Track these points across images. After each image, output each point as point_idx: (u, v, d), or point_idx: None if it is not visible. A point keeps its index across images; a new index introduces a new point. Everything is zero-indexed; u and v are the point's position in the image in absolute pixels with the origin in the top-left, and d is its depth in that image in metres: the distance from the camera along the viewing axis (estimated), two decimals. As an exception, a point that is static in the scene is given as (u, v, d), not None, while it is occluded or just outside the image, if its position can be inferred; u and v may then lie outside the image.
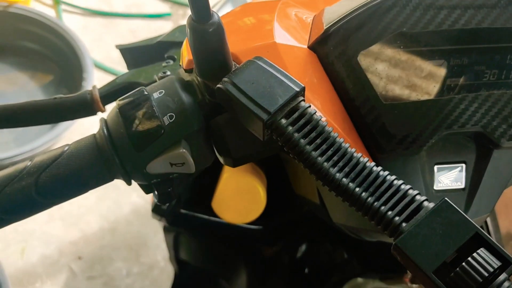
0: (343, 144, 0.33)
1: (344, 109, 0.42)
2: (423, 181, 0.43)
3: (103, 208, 1.79)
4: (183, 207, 0.76)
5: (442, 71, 0.41)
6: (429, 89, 0.41)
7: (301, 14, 0.46)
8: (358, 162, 0.33)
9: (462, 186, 0.44)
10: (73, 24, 2.02)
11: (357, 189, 0.32)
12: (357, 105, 0.41)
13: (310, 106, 0.34)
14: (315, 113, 0.34)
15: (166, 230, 0.82)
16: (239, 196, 0.75)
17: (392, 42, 0.40)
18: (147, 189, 0.43)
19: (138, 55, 0.53)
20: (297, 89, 0.34)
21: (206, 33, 0.34)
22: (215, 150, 0.43)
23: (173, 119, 0.39)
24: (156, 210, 0.75)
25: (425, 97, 0.41)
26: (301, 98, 0.34)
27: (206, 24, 0.33)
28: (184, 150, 0.39)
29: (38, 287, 1.58)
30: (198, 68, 0.37)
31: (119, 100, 0.39)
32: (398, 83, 0.40)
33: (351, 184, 0.32)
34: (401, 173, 0.42)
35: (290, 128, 0.33)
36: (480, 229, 0.30)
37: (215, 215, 0.76)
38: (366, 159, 0.33)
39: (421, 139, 0.41)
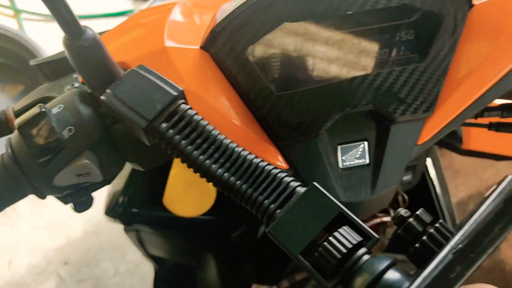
0: (224, 141, 0.35)
1: (243, 103, 0.43)
2: (328, 162, 0.44)
3: (85, 212, 1.80)
4: (138, 206, 0.78)
5: (329, 57, 0.42)
6: (318, 75, 0.42)
7: (198, 16, 0.47)
8: (238, 157, 0.35)
9: (367, 162, 0.45)
10: (36, 32, 2.02)
11: (237, 182, 0.34)
12: (252, 99, 0.42)
13: (190, 108, 0.35)
14: (194, 114, 0.35)
15: (125, 230, 0.84)
16: (189, 190, 0.77)
17: (278, 34, 0.41)
18: (64, 200, 0.45)
19: (55, 68, 0.54)
20: (175, 93, 0.35)
21: (82, 48, 0.35)
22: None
23: (73, 132, 0.40)
24: (109, 212, 0.76)
25: (315, 84, 0.42)
26: (181, 101, 0.36)
27: (80, 41, 0.35)
28: (87, 161, 0.40)
29: (28, 297, 1.61)
30: (85, 82, 0.38)
31: (19, 119, 0.40)
32: (287, 73, 0.42)
33: (232, 178, 0.34)
34: (304, 158, 0.44)
35: (170, 131, 0.35)
36: (344, 209, 0.32)
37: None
38: (245, 152, 0.35)
39: (316, 124, 0.43)
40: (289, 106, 0.42)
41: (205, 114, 0.42)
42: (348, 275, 0.30)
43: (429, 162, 0.82)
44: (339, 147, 0.45)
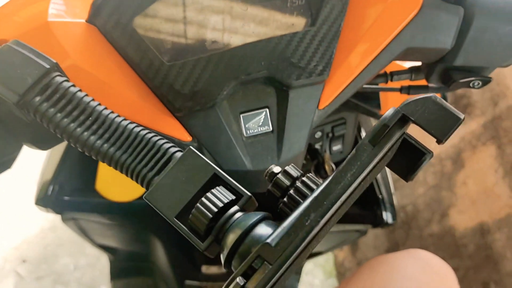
0: (102, 112, 0.34)
1: (137, 76, 0.43)
2: (231, 131, 0.44)
3: (41, 207, 1.77)
4: (70, 194, 0.77)
5: (219, 24, 0.42)
6: (208, 44, 0.42)
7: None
8: (117, 127, 0.34)
9: (270, 129, 0.46)
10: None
11: (116, 152, 0.34)
12: (143, 70, 0.42)
13: (65, 81, 0.35)
14: (70, 86, 0.35)
15: (63, 219, 0.82)
16: (120, 175, 0.76)
17: (164, 3, 0.41)
18: None
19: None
20: (48, 66, 0.34)
21: None
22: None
23: None
24: (39, 202, 0.75)
25: (206, 52, 0.42)
26: (55, 74, 0.35)
27: None
28: None
29: (-14, 298, 1.57)
30: None
31: None
32: (176, 42, 0.42)
33: (111, 149, 0.34)
34: (205, 128, 0.44)
35: (44, 105, 0.34)
36: (218, 169, 0.32)
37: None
38: (125, 121, 0.35)
39: (211, 93, 0.43)
40: (181, 76, 0.42)
41: (96, 89, 0.41)
42: (220, 233, 0.30)
43: (363, 133, 0.83)
44: (241, 115, 0.45)
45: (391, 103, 0.65)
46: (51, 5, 0.42)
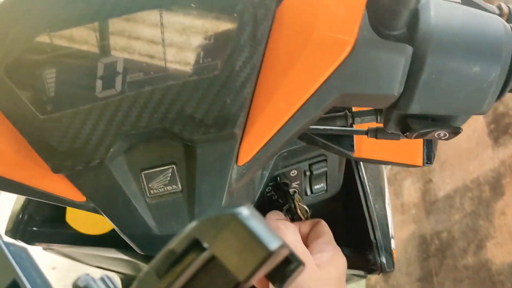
0: None
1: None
2: (129, 192, 0.38)
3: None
4: (39, 225, 0.74)
5: (97, 72, 0.36)
6: (86, 93, 0.36)
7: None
8: None
9: (179, 188, 0.39)
10: None
11: None
12: (16, 123, 0.36)
13: None
14: None
15: (43, 249, 0.80)
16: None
17: (35, 47, 0.35)
18: None
19: None
20: None
21: None
22: None
23: None
24: (8, 233, 0.72)
25: (86, 103, 0.36)
26: None
27: None
28: None
29: (13, 303, 1.61)
30: None
31: None
32: (52, 91, 0.35)
33: None
34: (97, 188, 0.38)
35: None
36: (21, 275, 0.26)
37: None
38: None
39: (95, 150, 0.36)
40: (57, 130, 0.36)
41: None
42: None
43: (361, 165, 0.73)
44: (142, 173, 0.39)
45: (366, 145, 0.56)
46: None
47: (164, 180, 0.39)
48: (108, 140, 0.36)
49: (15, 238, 0.73)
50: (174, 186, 0.39)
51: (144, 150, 0.38)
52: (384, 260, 0.70)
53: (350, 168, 0.73)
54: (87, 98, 0.36)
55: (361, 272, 0.73)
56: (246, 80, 0.36)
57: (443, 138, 0.40)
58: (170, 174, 0.39)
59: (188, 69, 0.36)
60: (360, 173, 0.72)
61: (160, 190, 0.39)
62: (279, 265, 0.25)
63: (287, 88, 0.37)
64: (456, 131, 0.39)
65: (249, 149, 0.38)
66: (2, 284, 0.26)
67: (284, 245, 0.18)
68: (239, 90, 0.36)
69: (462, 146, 1.34)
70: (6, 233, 0.73)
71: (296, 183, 0.64)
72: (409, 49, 0.36)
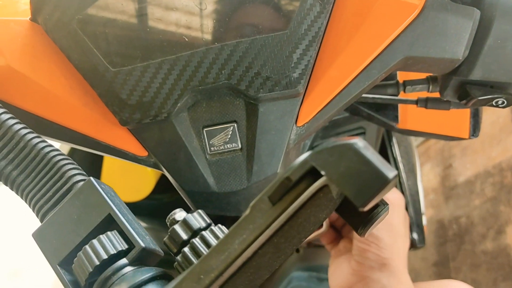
0: (12, 128, 0.30)
1: (84, 80, 0.38)
2: (191, 148, 0.39)
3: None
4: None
5: (172, 26, 0.36)
6: (159, 48, 0.36)
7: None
8: (24, 146, 0.30)
9: (239, 146, 0.39)
10: None
11: (19, 176, 0.29)
12: (87, 75, 0.37)
13: None
14: None
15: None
16: (125, 175, 0.73)
17: (109, 2, 0.35)
18: None
19: None
20: None
21: None
22: None
23: None
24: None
25: (157, 58, 0.36)
26: None
27: None
28: None
29: (33, 275, 1.64)
30: None
31: None
32: (123, 46, 0.36)
33: (13, 172, 0.29)
34: (161, 143, 0.38)
35: None
36: (114, 209, 0.27)
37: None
38: (35, 140, 0.30)
39: (162, 104, 0.37)
40: (128, 84, 0.36)
41: (33, 94, 0.37)
42: None
43: (394, 141, 0.74)
44: (204, 130, 0.39)
45: (411, 116, 0.56)
46: (-4, 1, 0.38)
47: (225, 137, 0.39)
48: (176, 95, 0.37)
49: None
50: (234, 144, 0.39)
51: (207, 108, 0.39)
52: (415, 236, 0.71)
53: (383, 145, 0.74)
54: (159, 52, 0.36)
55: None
56: (313, 39, 0.36)
57: (500, 106, 0.41)
58: (230, 132, 0.39)
59: (257, 27, 0.36)
60: (393, 149, 0.73)
61: (220, 148, 0.39)
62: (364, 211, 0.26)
63: (353, 49, 0.37)
64: None
65: (309, 110, 0.39)
66: (98, 218, 0.26)
67: (397, 175, 0.19)
68: (306, 49, 0.36)
69: (485, 131, 1.34)
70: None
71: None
72: (477, 13, 0.36)
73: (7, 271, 1.62)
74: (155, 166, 0.40)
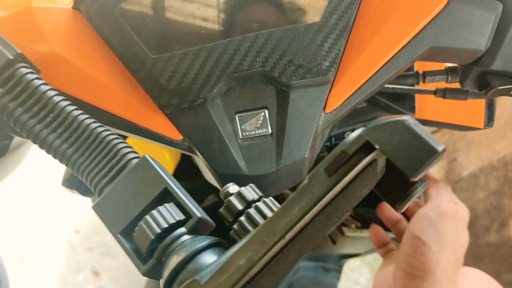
0: (65, 109, 0.32)
1: (124, 66, 0.40)
2: (224, 132, 0.41)
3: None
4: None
5: (211, 15, 0.38)
6: (198, 36, 0.38)
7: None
8: (78, 126, 0.32)
9: (269, 131, 0.41)
10: None
11: (74, 154, 0.31)
12: (128, 62, 0.39)
13: (30, 73, 0.32)
14: (34, 79, 0.32)
15: (92, 202, 0.83)
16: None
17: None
18: None
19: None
20: (11, 56, 0.32)
21: None
22: None
23: None
24: (65, 183, 0.75)
25: (196, 45, 0.38)
26: (20, 65, 0.33)
27: None
28: None
29: (40, 263, 1.66)
30: None
31: None
32: (163, 33, 0.38)
33: (68, 150, 0.31)
34: (196, 128, 0.40)
35: (6, 97, 0.32)
36: (170, 184, 0.29)
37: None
38: (88, 121, 0.32)
39: (199, 90, 0.39)
40: (167, 70, 0.38)
41: (76, 79, 0.39)
42: (163, 256, 0.27)
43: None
44: (236, 115, 0.41)
45: (428, 106, 0.58)
46: (38, -12, 0.39)
47: (256, 123, 0.41)
48: (212, 81, 0.39)
49: (71, 188, 0.76)
50: (264, 129, 0.41)
51: (239, 94, 0.41)
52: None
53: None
54: (197, 40, 0.38)
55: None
56: (344, 29, 0.38)
57: (519, 95, 0.43)
58: (262, 117, 0.41)
59: (291, 16, 0.38)
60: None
61: (252, 133, 0.41)
62: (401, 186, 0.28)
63: (381, 39, 0.39)
64: None
65: (337, 97, 0.41)
66: (155, 192, 0.28)
67: (445, 150, 0.21)
68: (337, 38, 0.38)
69: (489, 126, 1.35)
70: (63, 183, 0.76)
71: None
72: (499, 6, 0.38)
73: (14, 259, 1.64)
74: (189, 149, 0.42)
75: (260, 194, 0.28)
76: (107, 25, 0.38)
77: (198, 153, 0.42)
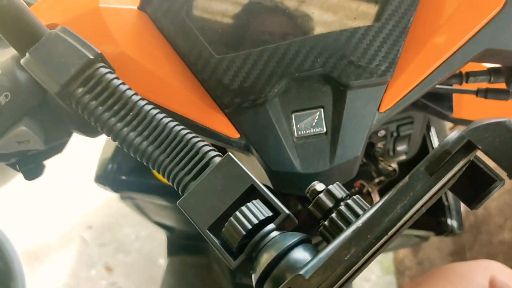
0: (143, 108, 0.33)
1: (186, 67, 0.41)
2: (281, 131, 0.42)
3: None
4: (127, 174, 0.78)
5: (274, 17, 0.39)
6: (262, 37, 0.39)
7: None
8: (157, 124, 0.33)
9: (324, 130, 0.42)
10: None
11: (155, 151, 0.32)
12: (192, 62, 0.40)
13: (109, 72, 0.33)
14: (113, 78, 0.33)
15: (121, 197, 0.84)
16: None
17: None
18: (13, 167, 0.44)
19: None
20: (91, 57, 0.33)
21: None
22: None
23: (9, 98, 0.39)
24: (98, 180, 0.76)
25: (259, 46, 0.39)
26: (100, 64, 0.34)
27: None
28: (25, 128, 0.39)
29: (53, 258, 1.67)
30: (11, 45, 0.37)
31: None
32: (228, 34, 0.39)
33: (149, 148, 0.32)
34: (254, 126, 0.41)
35: (86, 97, 0.33)
36: (256, 181, 0.30)
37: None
38: (166, 119, 0.33)
39: (261, 89, 0.40)
40: (230, 70, 0.39)
41: (143, 79, 0.40)
42: (254, 252, 0.28)
43: (433, 132, 0.77)
44: (293, 114, 0.42)
45: (465, 107, 0.59)
46: (103, -11, 0.40)
47: (311, 122, 0.42)
48: (274, 81, 0.40)
49: (104, 185, 0.77)
50: (319, 128, 0.42)
51: (296, 93, 0.42)
52: (454, 222, 0.74)
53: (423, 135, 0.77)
54: (260, 41, 0.39)
55: (429, 234, 0.77)
56: (403, 31, 0.39)
57: None
58: (317, 116, 0.42)
59: (352, 18, 0.39)
60: (432, 139, 0.76)
61: (307, 131, 0.42)
62: (478, 186, 0.29)
63: (437, 40, 0.40)
64: None
65: (392, 97, 0.42)
66: (242, 189, 0.29)
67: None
68: (398, 39, 0.39)
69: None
70: (96, 179, 0.77)
71: (382, 143, 0.68)
72: None
73: (27, 255, 1.65)
74: (245, 147, 0.43)
75: (347, 192, 0.29)
76: (173, 26, 0.39)
77: (254, 151, 0.43)
